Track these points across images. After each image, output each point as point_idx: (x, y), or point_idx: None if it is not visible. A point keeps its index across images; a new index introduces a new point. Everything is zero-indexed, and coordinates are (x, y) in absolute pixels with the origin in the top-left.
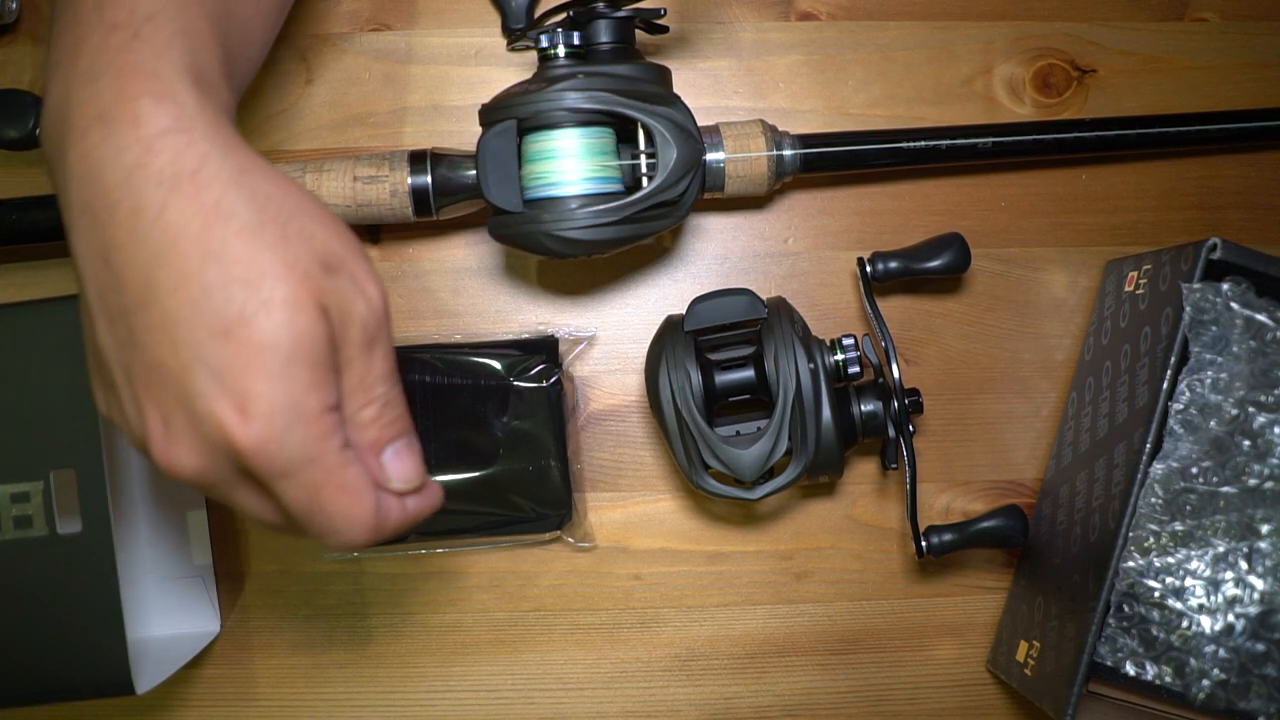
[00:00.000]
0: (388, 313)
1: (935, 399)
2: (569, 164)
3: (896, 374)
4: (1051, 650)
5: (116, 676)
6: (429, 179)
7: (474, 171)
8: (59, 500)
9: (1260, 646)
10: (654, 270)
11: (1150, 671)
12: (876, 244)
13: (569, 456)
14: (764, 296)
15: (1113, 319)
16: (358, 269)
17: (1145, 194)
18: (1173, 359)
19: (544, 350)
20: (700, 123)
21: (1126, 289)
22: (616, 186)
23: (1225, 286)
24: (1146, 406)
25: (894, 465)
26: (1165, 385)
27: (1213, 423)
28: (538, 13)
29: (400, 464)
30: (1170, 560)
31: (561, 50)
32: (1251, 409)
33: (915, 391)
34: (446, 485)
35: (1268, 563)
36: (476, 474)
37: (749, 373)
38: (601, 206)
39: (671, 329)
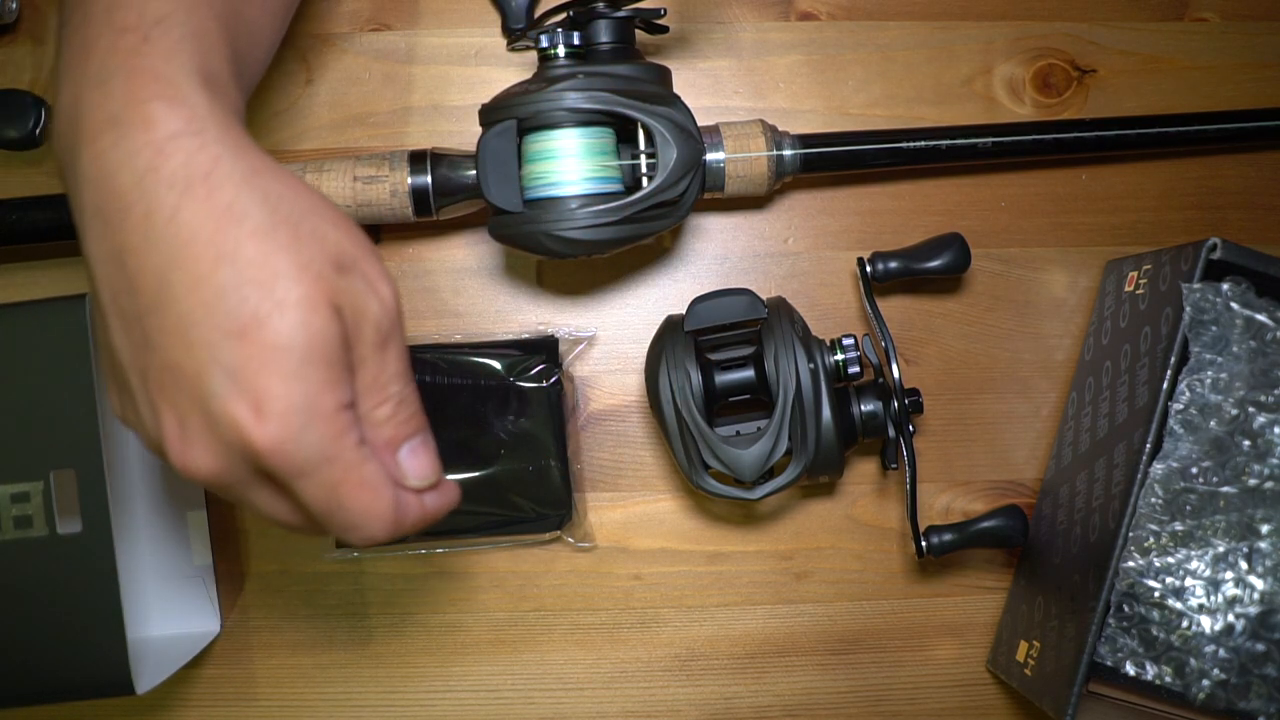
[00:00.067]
0: (400, 312)
1: (935, 399)
2: (569, 164)
3: (896, 374)
4: (1051, 650)
5: (116, 676)
6: (429, 179)
7: (474, 171)
8: (59, 500)
9: (1260, 646)
10: (654, 270)
11: (1150, 671)
12: (876, 244)
13: (569, 456)
14: (764, 296)
15: (1113, 319)
16: (370, 269)
17: (1145, 194)
18: (1173, 359)
19: (544, 350)
20: (700, 123)
21: (1126, 289)
22: (616, 186)
23: (1225, 286)
24: (1146, 406)
25: (894, 465)
26: (1165, 385)
27: (1213, 423)
28: (538, 13)
29: (416, 461)
30: (1170, 560)
31: (561, 50)
32: (1251, 409)
33: (915, 391)
34: None
35: (1268, 563)
36: (477, 474)
37: (749, 373)
38: (601, 206)
39: (671, 329)
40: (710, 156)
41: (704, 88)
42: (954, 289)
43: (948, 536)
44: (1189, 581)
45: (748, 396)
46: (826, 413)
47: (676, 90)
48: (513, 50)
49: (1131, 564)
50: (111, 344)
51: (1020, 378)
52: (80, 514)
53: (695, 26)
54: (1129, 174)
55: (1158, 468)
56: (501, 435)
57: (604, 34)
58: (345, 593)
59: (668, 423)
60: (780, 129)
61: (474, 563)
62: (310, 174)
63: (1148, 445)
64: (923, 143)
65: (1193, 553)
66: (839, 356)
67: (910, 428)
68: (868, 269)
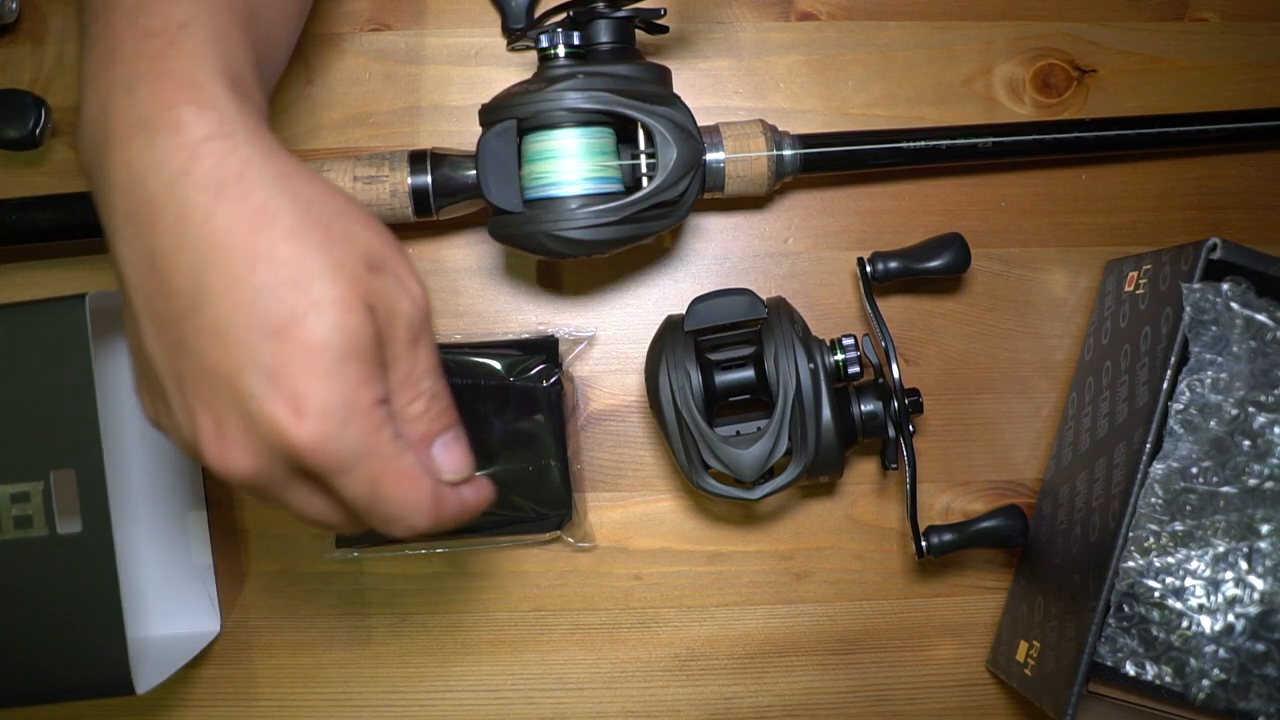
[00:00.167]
0: (430, 309)
1: (935, 399)
2: (569, 164)
3: (896, 374)
4: (1051, 650)
5: (116, 676)
6: (429, 179)
7: (474, 171)
8: (59, 500)
9: (1260, 646)
10: (654, 270)
11: (1150, 671)
12: (876, 244)
13: (569, 456)
14: (764, 296)
15: (1113, 319)
16: (400, 267)
17: (1145, 194)
18: (1173, 359)
19: (544, 350)
20: (700, 123)
21: (1126, 289)
22: (616, 186)
23: (1225, 286)
24: (1146, 406)
25: (894, 465)
26: (1165, 385)
27: (1213, 423)
28: (538, 13)
29: (450, 455)
30: (1170, 560)
31: (561, 50)
32: (1251, 409)
33: (915, 391)
34: None
35: (1268, 563)
36: (477, 474)
37: (749, 373)
38: (601, 206)
39: (671, 329)
40: (710, 156)
41: (704, 88)
42: (954, 289)
43: (948, 536)
44: (1189, 581)
45: (748, 396)
46: (826, 413)
47: (676, 90)
48: (513, 50)
49: (1131, 564)
50: (144, 348)
51: (1020, 378)
52: (80, 514)
53: (695, 26)
54: (1129, 174)
55: (1158, 468)
56: (501, 435)
57: (604, 34)
58: (345, 593)
59: (668, 423)
60: (780, 129)
61: (474, 563)
62: None
63: (1148, 445)
64: (923, 143)
65: (1193, 553)
66: (839, 356)
67: (910, 428)
68: (868, 269)
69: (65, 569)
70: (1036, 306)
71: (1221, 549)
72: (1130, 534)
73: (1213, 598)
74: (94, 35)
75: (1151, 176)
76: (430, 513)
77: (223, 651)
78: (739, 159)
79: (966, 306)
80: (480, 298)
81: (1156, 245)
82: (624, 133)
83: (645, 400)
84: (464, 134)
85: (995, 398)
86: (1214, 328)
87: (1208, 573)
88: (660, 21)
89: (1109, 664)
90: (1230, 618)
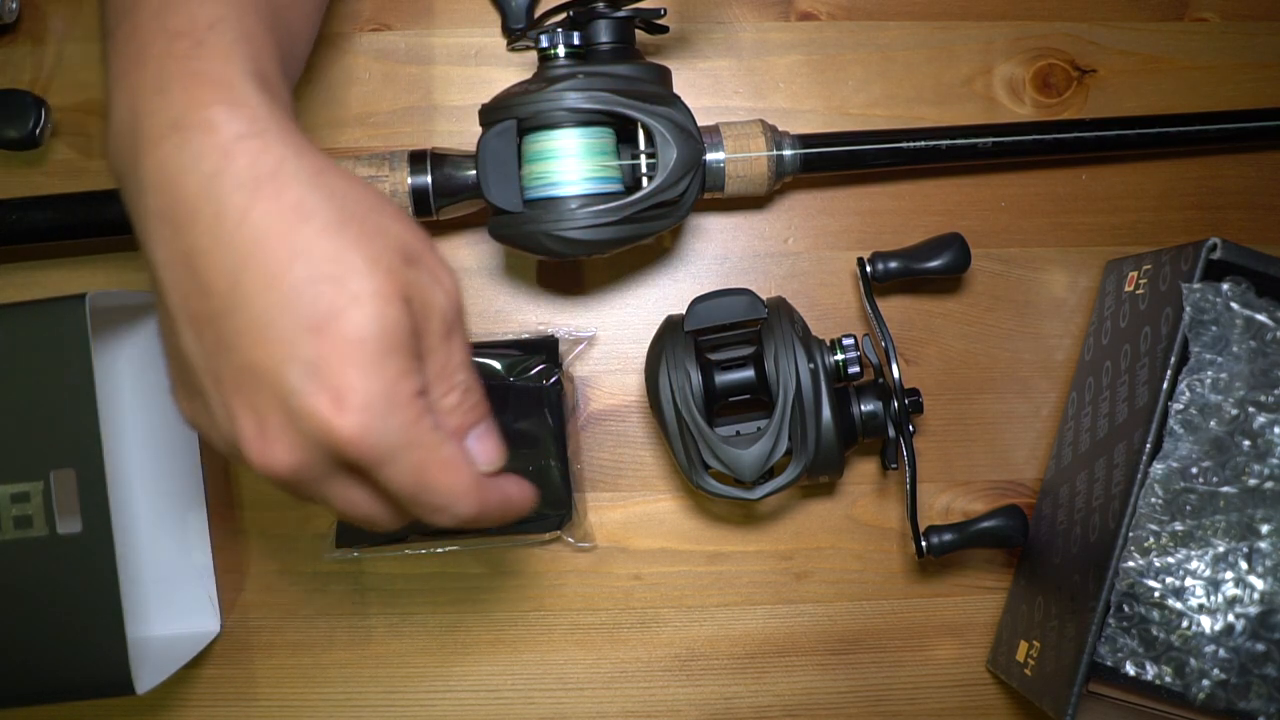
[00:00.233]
0: (462, 302)
1: (935, 399)
2: (569, 164)
3: (896, 374)
4: (1051, 650)
5: (116, 676)
6: (429, 179)
7: (474, 171)
8: (59, 500)
9: (1260, 646)
10: (654, 270)
11: (1150, 671)
12: (876, 244)
13: (569, 456)
14: (764, 296)
15: (1113, 319)
16: (433, 261)
17: (1145, 194)
18: (1173, 359)
19: (544, 350)
20: (700, 123)
21: (1126, 289)
22: (616, 186)
23: (1225, 286)
24: (1146, 406)
25: (894, 465)
26: (1165, 385)
27: (1213, 423)
28: (538, 13)
29: (484, 447)
30: (1170, 560)
31: (561, 50)
32: (1251, 409)
33: (915, 391)
34: None
35: (1268, 563)
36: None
37: (749, 373)
38: (601, 206)
39: (671, 329)
40: (710, 156)
41: (704, 88)
42: (954, 289)
43: (948, 536)
44: (1189, 581)
45: (748, 396)
46: (826, 413)
47: (676, 90)
48: (513, 50)
49: (1131, 564)
50: (181, 348)
51: (1020, 378)
52: (80, 514)
53: (695, 26)
54: (1129, 174)
55: (1158, 468)
56: (501, 435)
57: (604, 34)
58: (345, 593)
59: (668, 423)
60: (780, 129)
61: (473, 563)
62: None
63: (1148, 445)
64: (923, 143)
65: (1193, 553)
66: (839, 356)
67: (910, 428)
68: (868, 269)
69: (65, 569)
70: (1036, 306)
71: (1221, 549)
72: (1130, 534)
73: (1213, 598)
74: (120, 38)
75: (1151, 176)
76: (474, 500)
77: (223, 651)
78: (739, 159)
79: (966, 306)
80: (480, 298)
81: (1156, 245)
82: (624, 133)
83: (645, 400)
84: (464, 134)
85: (995, 398)
86: (1214, 328)
87: (1208, 573)
88: (660, 21)
89: (1109, 664)
90: (1230, 618)
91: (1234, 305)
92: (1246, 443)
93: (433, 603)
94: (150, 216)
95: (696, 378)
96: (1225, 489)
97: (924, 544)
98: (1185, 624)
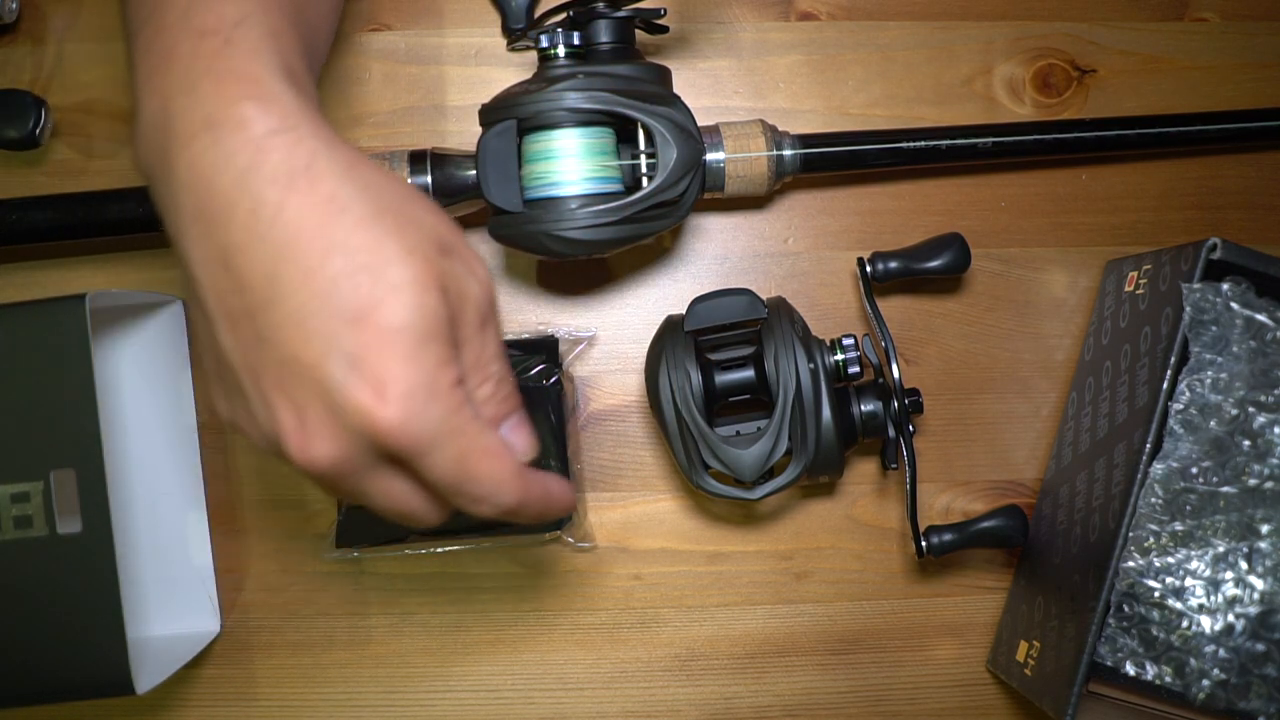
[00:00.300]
0: (495, 293)
1: (935, 399)
2: (569, 164)
3: (896, 374)
4: (1051, 650)
5: (116, 676)
6: (429, 179)
7: (474, 171)
8: (59, 500)
9: (1260, 646)
10: (654, 270)
11: (1150, 671)
12: (876, 244)
13: (569, 456)
14: (764, 296)
15: (1113, 319)
16: (467, 252)
17: (1145, 194)
18: (1173, 359)
19: (544, 350)
20: (700, 123)
21: (1126, 289)
22: (616, 186)
23: (1225, 286)
24: (1146, 406)
25: (894, 465)
26: (1165, 385)
27: (1213, 423)
28: (538, 13)
29: (517, 437)
30: (1170, 560)
31: (561, 50)
32: (1251, 409)
33: (915, 391)
34: None
35: (1268, 563)
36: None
37: (749, 373)
38: (601, 206)
39: (671, 329)
40: (710, 156)
41: (704, 88)
42: (954, 289)
43: (948, 536)
44: (1189, 581)
45: (748, 396)
46: (826, 413)
47: (676, 90)
48: (513, 50)
49: (1131, 564)
50: (219, 346)
51: (1020, 378)
52: (80, 514)
53: (695, 26)
54: (1129, 174)
55: (1158, 468)
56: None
57: (604, 34)
58: (345, 593)
59: (668, 423)
60: (780, 129)
61: (474, 563)
62: None
63: (1148, 445)
64: (923, 143)
65: (1193, 553)
66: (839, 356)
67: (910, 428)
68: (868, 269)
69: (65, 569)
70: (1036, 306)
71: (1221, 549)
72: (1130, 534)
73: (1213, 598)
74: (146, 38)
75: (1151, 176)
76: (517, 489)
77: (223, 651)
78: (739, 159)
79: (966, 306)
80: None
81: (1156, 245)
82: (624, 133)
83: (645, 400)
84: (464, 134)
85: (995, 398)
86: (1214, 328)
87: (1208, 573)
88: (660, 21)
89: (1109, 664)
90: (1230, 618)
91: (1234, 305)
92: (1246, 443)
93: (433, 603)
94: (183, 215)
95: (696, 378)
96: (1225, 489)
97: (924, 544)
98: (1185, 624)
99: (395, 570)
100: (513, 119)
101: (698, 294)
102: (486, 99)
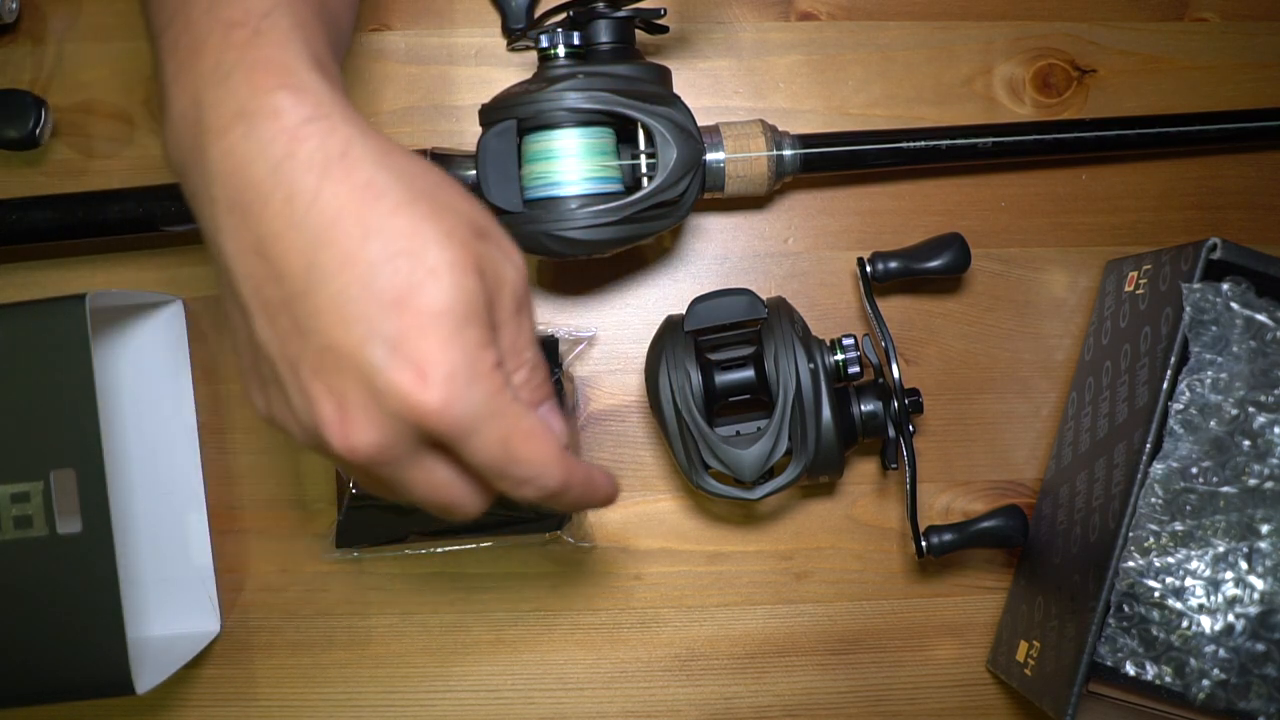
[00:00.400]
0: (528, 279)
1: (935, 399)
2: (569, 164)
3: (896, 374)
4: (1051, 650)
5: (116, 676)
6: None
7: (474, 172)
8: (59, 500)
9: (1260, 646)
10: (654, 270)
11: (1150, 671)
12: (876, 244)
13: None
14: (764, 296)
15: (1113, 319)
16: (501, 237)
17: (1145, 194)
18: (1173, 359)
19: (544, 350)
20: (700, 123)
21: (1126, 289)
22: (616, 186)
23: (1225, 286)
24: (1146, 406)
25: (894, 465)
26: (1165, 385)
27: (1213, 423)
28: (538, 13)
29: (554, 422)
30: (1170, 560)
31: (561, 50)
32: (1251, 409)
33: (915, 391)
34: None
35: (1268, 563)
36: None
37: (749, 373)
38: (601, 206)
39: (671, 329)
40: (710, 156)
41: (704, 88)
42: (954, 289)
43: (948, 536)
44: (1189, 581)
45: (748, 396)
46: (826, 413)
47: (676, 90)
48: (513, 50)
49: (1131, 564)
50: (256, 338)
51: (1020, 378)
52: (80, 514)
53: (695, 26)
54: (1129, 174)
55: (1158, 468)
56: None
57: (604, 34)
58: (345, 593)
59: (668, 423)
60: (780, 129)
61: (474, 563)
62: None
63: (1148, 445)
64: (923, 143)
65: (1193, 553)
66: (839, 356)
67: (910, 428)
68: (868, 269)
69: (65, 569)
70: (1036, 306)
71: (1221, 549)
72: (1130, 534)
73: (1213, 598)
74: (174, 34)
75: (1151, 176)
76: (561, 470)
77: (223, 651)
78: (739, 159)
79: (966, 306)
80: None
81: (1156, 245)
82: (624, 133)
83: (645, 400)
84: (464, 134)
85: (995, 398)
86: (1214, 328)
87: (1208, 573)
88: (660, 21)
89: (1109, 664)
90: (1230, 618)
91: (1234, 305)
92: (1246, 443)
93: (433, 603)
94: (218, 207)
95: (696, 378)
96: (1225, 489)
97: (924, 544)
98: (1185, 624)
99: (395, 570)
100: (513, 119)
101: (698, 294)
102: (486, 99)
